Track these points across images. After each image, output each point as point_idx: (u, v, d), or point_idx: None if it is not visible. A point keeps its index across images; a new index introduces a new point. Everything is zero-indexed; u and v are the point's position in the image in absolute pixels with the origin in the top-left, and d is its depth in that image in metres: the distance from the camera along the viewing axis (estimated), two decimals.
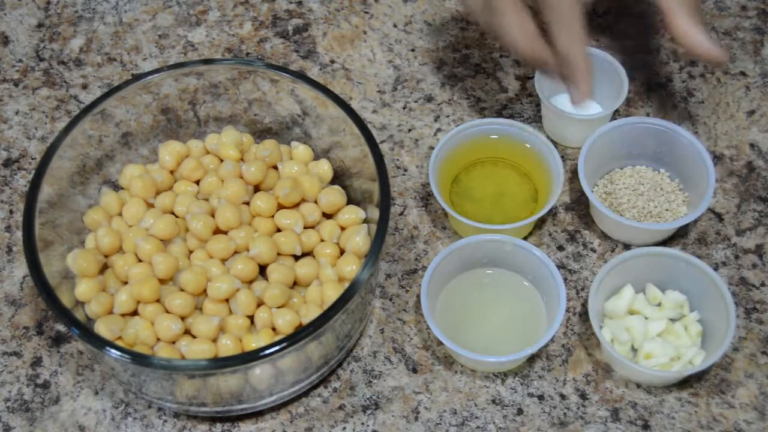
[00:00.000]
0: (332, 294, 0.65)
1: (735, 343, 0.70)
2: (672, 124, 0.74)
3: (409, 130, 0.80)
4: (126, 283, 0.67)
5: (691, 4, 0.68)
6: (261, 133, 0.76)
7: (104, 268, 0.68)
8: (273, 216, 0.70)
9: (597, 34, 0.84)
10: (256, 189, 0.71)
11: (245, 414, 0.68)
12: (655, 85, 0.82)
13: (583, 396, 0.68)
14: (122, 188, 0.73)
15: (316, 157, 0.74)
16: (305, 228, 0.70)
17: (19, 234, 0.76)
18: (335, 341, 0.66)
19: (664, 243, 0.74)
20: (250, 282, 0.67)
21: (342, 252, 0.69)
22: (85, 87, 0.83)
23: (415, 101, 0.82)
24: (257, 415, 0.68)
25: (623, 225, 0.72)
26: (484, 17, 0.69)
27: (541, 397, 0.68)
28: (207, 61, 0.73)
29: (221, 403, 0.65)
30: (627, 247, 0.74)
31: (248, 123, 0.76)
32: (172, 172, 0.72)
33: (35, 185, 0.66)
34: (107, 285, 0.67)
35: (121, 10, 0.88)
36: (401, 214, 0.76)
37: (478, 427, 0.67)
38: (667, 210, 0.74)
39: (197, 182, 0.72)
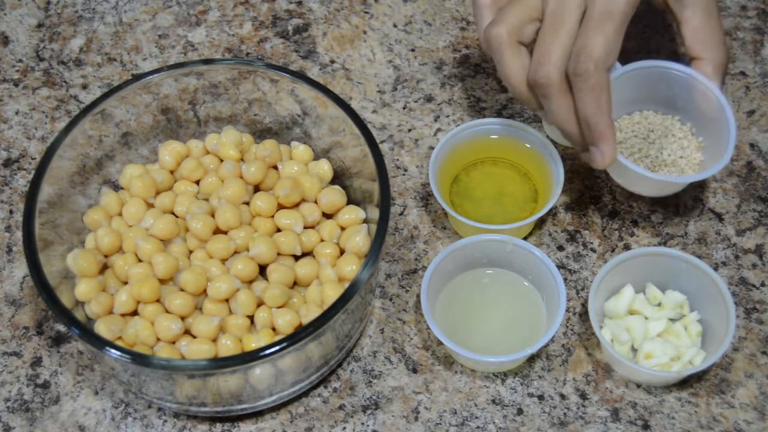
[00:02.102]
0: (332, 294, 0.65)
1: (735, 343, 0.70)
2: (684, 66, 0.71)
3: (409, 130, 0.80)
4: (126, 283, 0.67)
5: (718, 53, 0.69)
6: (261, 133, 0.76)
7: (104, 268, 0.68)
8: (273, 216, 0.70)
9: None
10: (256, 189, 0.71)
11: (245, 414, 0.68)
12: None
13: (583, 396, 0.68)
14: (122, 188, 0.73)
15: (316, 157, 0.74)
16: (305, 228, 0.70)
17: (19, 234, 0.76)
18: (335, 341, 0.66)
19: (668, 241, 0.74)
20: (250, 282, 0.67)
21: (342, 252, 0.69)
22: (85, 87, 0.83)
23: (415, 101, 0.82)
24: (257, 415, 0.68)
25: (641, 177, 0.69)
26: (486, 50, 0.69)
27: (541, 397, 0.68)
28: (207, 61, 0.73)
29: (221, 403, 0.65)
30: (627, 247, 0.74)
31: (248, 123, 0.76)
32: (172, 172, 0.73)
33: (35, 185, 0.66)
34: (107, 285, 0.67)
35: (121, 10, 0.88)
36: (401, 214, 0.76)
37: (478, 427, 0.67)
38: (681, 157, 0.72)
39: (197, 182, 0.72)
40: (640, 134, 0.73)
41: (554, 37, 0.65)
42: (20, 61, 0.85)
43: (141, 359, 0.60)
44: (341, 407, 0.68)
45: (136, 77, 0.71)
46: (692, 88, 0.71)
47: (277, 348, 0.60)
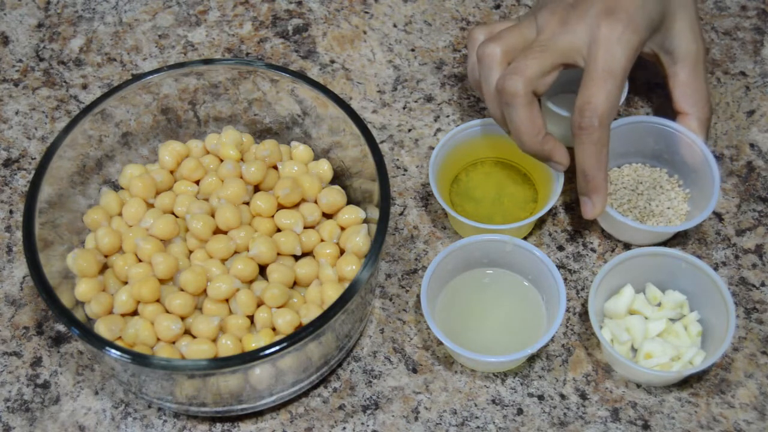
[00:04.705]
0: (332, 294, 0.65)
1: (735, 343, 0.70)
2: (671, 122, 0.74)
3: (409, 130, 0.80)
4: (126, 283, 0.67)
5: (704, 109, 0.73)
6: (261, 133, 0.76)
7: (104, 268, 0.68)
8: (273, 216, 0.70)
9: None
10: (256, 189, 0.71)
11: (245, 414, 0.68)
12: (655, 85, 0.82)
13: (583, 396, 0.68)
14: (122, 188, 0.73)
15: (316, 157, 0.74)
16: (305, 228, 0.70)
17: (19, 234, 0.76)
18: (335, 341, 0.66)
19: (668, 242, 0.74)
20: (250, 282, 0.67)
21: (342, 252, 0.69)
22: (85, 87, 0.83)
23: (415, 101, 0.82)
24: (257, 415, 0.68)
25: (631, 228, 0.71)
26: (493, 105, 0.70)
27: (541, 397, 0.68)
28: (207, 61, 0.73)
29: (221, 403, 0.65)
30: (627, 246, 0.74)
31: (248, 123, 0.76)
32: (172, 172, 0.72)
33: (35, 185, 0.66)
34: (107, 285, 0.67)
35: (121, 10, 0.88)
36: (401, 214, 0.76)
37: (478, 427, 0.67)
38: (669, 208, 0.74)
39: (197, 182, 0.72)
40: (629, 186, 0.75)
41: (536, 57, 0.67)
42: (20, 61, 0.85)
43: (141, 359, 0.60)
44: (341, 407, 0.68)
45: (136, 77, 0.71)
46: (679, 141, 0.74)
47: (277, 348, 0.60)
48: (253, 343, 0.64)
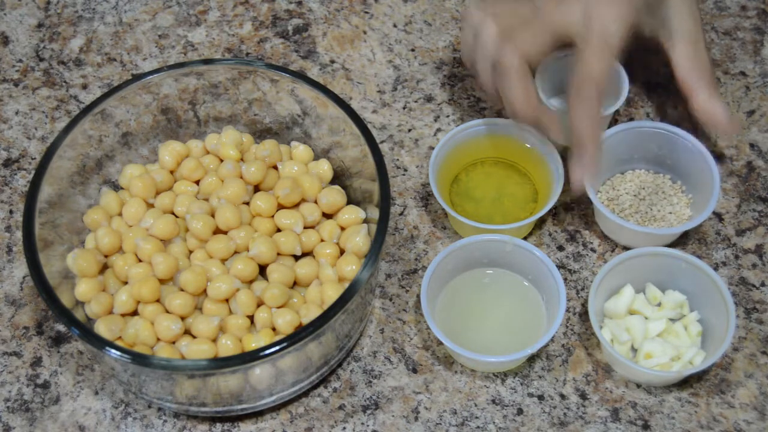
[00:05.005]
0: (332, 294, 0.65)
1: (735, 343, 0.70)
2: (674, 127, 0.74)
3: (409, 130, 0.80)
4: (126, 283, 0.67)
5: (711, 80, 0.73)
6: (261, 133, 0.76)
7: (104, 268, 0.68)
8: (273, 216, 0.70)
9: None
10: (256, 189, 0.71)
11: (245, 414, 0.68)
12: (655, 85, 0.82)
13: (583, 396, 0.68)
14: (122, 188, 0.73)
15: (316, 157, 0.74)
16: (305, 228, 0.70)
17: (19, 234, 0.76)
18: (335, 341, 0.66)
19: (670, 245, 0.74)
20: (250, 282, 0.67)
21: (342, 252, 0.69)
22: (85, 87, 0.83)
23: (415, 101, 0.82)
24: (257, 415, 0.68)
25: (630, 230, 0.71)
26: (487, 78, 0.72)
27: (541, 397, 0.68)
28: (207, 61, 0.73)
29: (221, 403, 0.65)
30: (627, 247, 0.74)
31: (248, 123, 0.76)
32: (172, 172, 0.72)
33: (35, 185, 0.66)
34: (107, 285, 0.67)
35: (121, 10, 0.88)
36: (401, 214, 0.76)
37: (478, 427, 0.67)
38: (671, 213, 0.74)
39: (197, 182, 0.72)
40: (631, 192, 0.75)
41: (531, 31, 0.69)
42: (20, 61, 0.85)
43: (141, 359, 0.60)
44: (341, 407, 0.68)
45: (136, 77, 0.71)
46: (681, 146, 0.74)
47: (277, 348, 0.60)
48: (253, 343, 0.64)
